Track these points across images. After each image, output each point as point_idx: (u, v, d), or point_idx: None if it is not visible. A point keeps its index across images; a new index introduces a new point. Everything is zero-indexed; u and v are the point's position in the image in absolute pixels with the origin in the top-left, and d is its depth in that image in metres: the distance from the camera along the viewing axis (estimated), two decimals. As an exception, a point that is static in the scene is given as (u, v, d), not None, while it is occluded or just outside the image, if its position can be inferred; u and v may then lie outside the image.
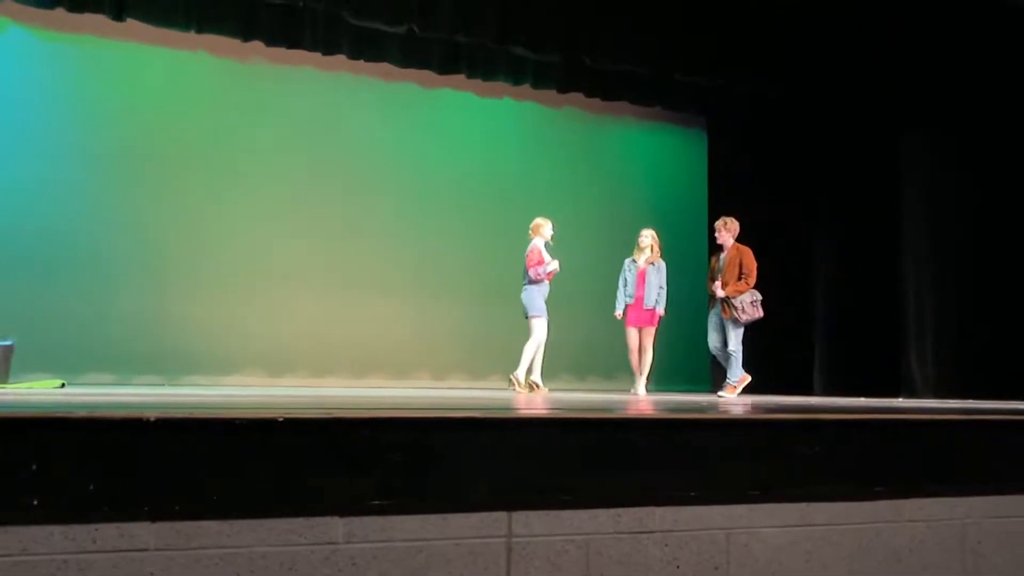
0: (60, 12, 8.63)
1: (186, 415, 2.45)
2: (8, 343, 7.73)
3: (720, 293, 8.41)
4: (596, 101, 11.29)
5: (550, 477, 2.66)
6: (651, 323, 8.67)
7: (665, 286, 8.74)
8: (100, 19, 8.79)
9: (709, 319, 8.64)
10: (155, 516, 2.32)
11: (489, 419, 2.73)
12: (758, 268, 8.44)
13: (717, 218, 8.87)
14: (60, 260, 8.92)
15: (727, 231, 8.64)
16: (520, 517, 2.63)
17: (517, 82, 10.83)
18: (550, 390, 8.52)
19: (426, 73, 10.40)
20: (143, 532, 2.30)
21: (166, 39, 9.27)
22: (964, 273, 9.75)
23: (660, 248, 8.85)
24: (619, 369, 9.54)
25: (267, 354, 9.79)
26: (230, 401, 4.40)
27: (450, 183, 10.73)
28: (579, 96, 11.19)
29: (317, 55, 9.79)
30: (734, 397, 8.19)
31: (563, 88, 11.03)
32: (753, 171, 11.32)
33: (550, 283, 8.63)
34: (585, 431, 2.78)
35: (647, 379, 8.74)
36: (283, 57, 9.77)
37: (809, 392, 10.53)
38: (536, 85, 10.90)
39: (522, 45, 9.93)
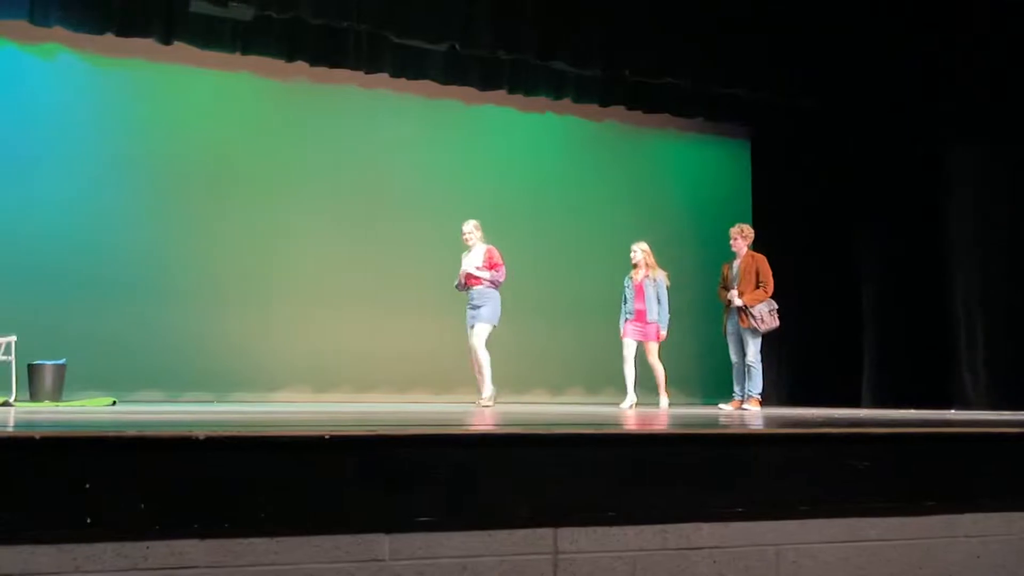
0: (109, 37, 8.82)
1: (234, 433, 2.48)
2: (61, 362, 7.90)
3: (738, 302, 8.26)
4: (638, 114, 11.27)
5: (596, 493, 2.65)
6: (654, 338, 8.52)
7: (665, 301, 8.56)
8: (148, 43, 8.97)
9: (726, 330, 8.48)
10: (205, 534, 2.34)
11: (533, 435, 2.73)
12: (775, 275, 8.33)
13: (761, 229, 8.79)
14: (111, 281, 9.08)
15: (743, 238, 8.50)
16: (566, 533, 2.62)
17: (558, 96, 10.85)
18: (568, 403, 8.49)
19: (468, 90, 10.46)
20: (193, 549, 2.33)
21: (212, 61, 9.43)
22: (1015, 282, 9.56)
23: (653, 260, 8.70)
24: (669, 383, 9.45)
25: (312, 371, 9.87)
26: (277, 419, 4.44)
27: (492, 199, 10.75)
28: (620, 109, 11.18)
29: (360, 74, 9.88)
30: (759, 410, 8.08)
31: (604, 102, 11.03)
32: (798, 182, 11.22)
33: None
34: (631, 447, 2.76)
35: (667, 392, 8.67)
36: (326, 76, 9.88)
37: (857, 405, 10.37)
38: (577, 99, 10.91)
39: (563, 60, 9.94)
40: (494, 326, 8.11)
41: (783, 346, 10.89)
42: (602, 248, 10.98)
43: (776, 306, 8.30)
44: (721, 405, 8.49)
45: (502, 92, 10.57)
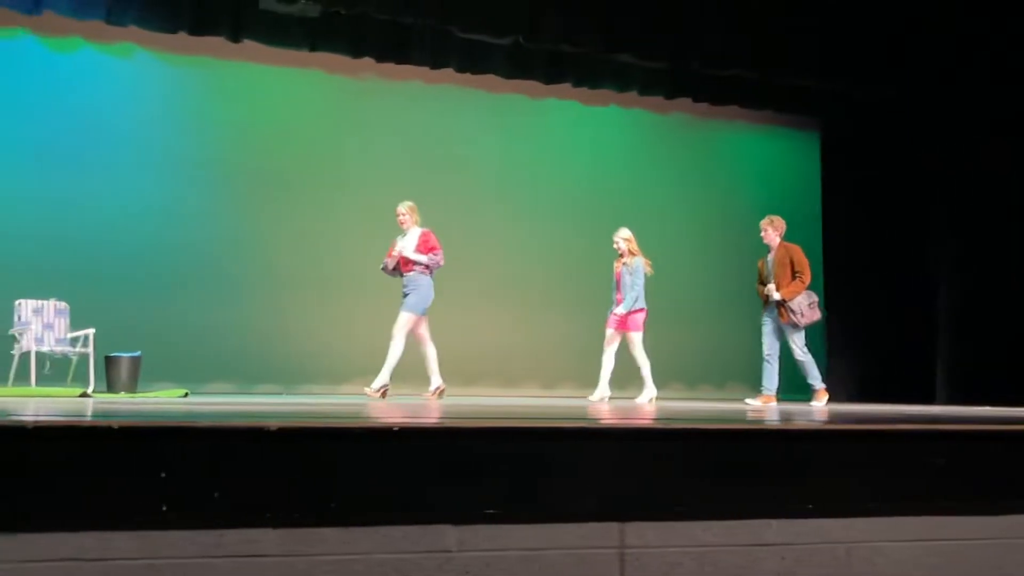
0: (182, 36, 9.01)
1: (305, 424, 2.52)
2: (136, 355, 8.10)
3: (776, 296, 8.05)
4: (705, 106, 11.16)
5: (663, 488, 2.63)
6: (632, 328, 8.22)
7: (638, 287, 8.18)
8: (219, 41, 9.14)
9: (763, 324, 8.26)
10: (277, 523, 2.38)
11: (601, 429, 2.72)
12: (810, 265, 8.13)
13: (833, 223, 8.60)
14: (183, 275, 9.28)
15: (774, 229, 8.26)
16: (633, 528, 2.61)
17: (623, 89, 10.78)
18: (652, 400, 8.37)
19: (532, 83, 10.46)
20: (265, 538, 2.37)
21: (281, 58, 9.57)
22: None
23: (635, 247, 8.36)
24: (731, 378, 9.38)
25: (379, 363, 9.95)
26: (345, 410, 4.49)
27: (557, 192, 10.75)
28: (687, 101, 11.08)
29: (425, 69, 9.95)
30: (822, 401, 7.93)
31: (671, 94, 10.93)
32: (869, 174, 11.00)
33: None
34: (699, 441, 2.74)
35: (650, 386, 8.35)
36: (392, 72, 9.96)
37: (931, 401, 10.15)
38: (643, 92, 10.84)
39: (628, 52, 9.89)
40: (418, 316, 7.79)
41: (854, 342, 10.71)
42: (667, 243, 10.90)
43: (816, 298, 8.09)
44: (747, 400, 8.31)
45: (567, 86, 10.55)
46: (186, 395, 7.99)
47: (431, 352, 7.88)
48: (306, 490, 2.43)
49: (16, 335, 7.87)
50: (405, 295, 7.81)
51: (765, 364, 8.21)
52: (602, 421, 3.01)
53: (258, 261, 9.61)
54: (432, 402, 7.16)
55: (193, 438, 2.42)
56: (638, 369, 8.28)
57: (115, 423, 2.37)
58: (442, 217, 10.22)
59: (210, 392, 8.85)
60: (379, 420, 2.63)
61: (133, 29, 8.96)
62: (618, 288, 8.34)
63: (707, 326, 10.66)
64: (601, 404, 7.68)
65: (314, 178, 9.93)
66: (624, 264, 8.29)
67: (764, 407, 7.82)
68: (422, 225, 7.97)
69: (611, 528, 2.59)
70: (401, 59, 9.79)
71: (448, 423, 2.58)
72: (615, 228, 10.01)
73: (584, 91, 10.77)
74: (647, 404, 7.66)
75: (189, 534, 2.33)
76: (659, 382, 8.43)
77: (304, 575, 2.40)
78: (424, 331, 7.86)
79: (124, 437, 2.35)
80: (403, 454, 2.51)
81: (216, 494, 2.35)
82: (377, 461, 2.49)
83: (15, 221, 8.75)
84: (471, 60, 10.01)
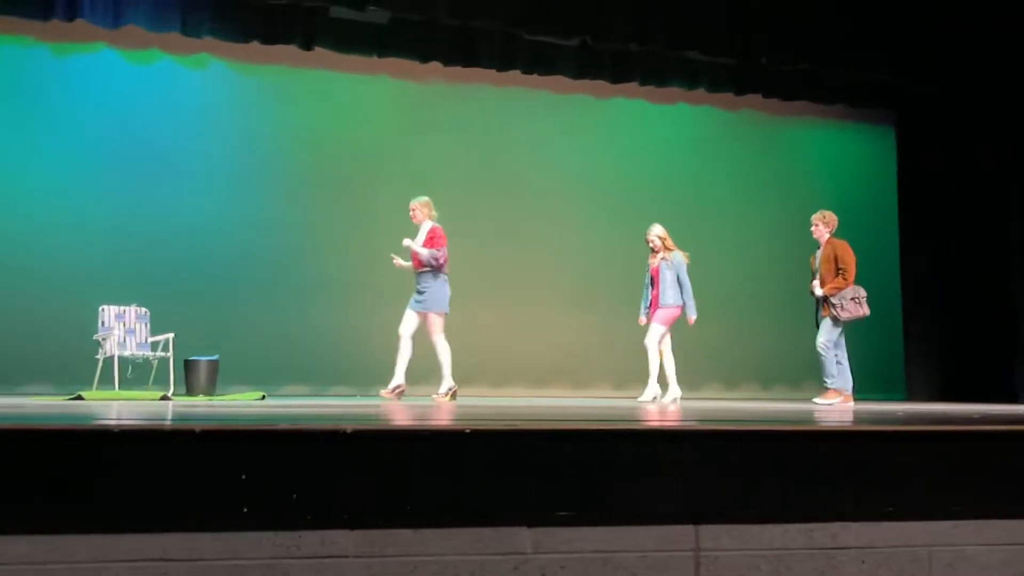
0: (254, 45, 9.19)
1: (380, 427, 2.55)
2: (214, 358, 8.28)
3: (818, 292, 7.91)
4: (775, 101, 11.00)
5: (738, 490, 2.60)
6: (661, 321, 8.01)
7: (687, 283, 8.04)
8: (290, 49, 9.30)
9: (819, 319, 8.05)
10: (353, 524, 2.42)
11: (673, 431, 2.71)
12: (857, 263, 7.88)
13: (910, 220, 8.40)
14: (259, 280, 9.47)
15: (824, 224, 8.07)
16: (708, 530, 2.59)
17: (692, 86, 10.69)
18: (729, 399, 8.28)
19: (599, 83, 10.43)
20: (343, 539, 2.41)
21: (350, 65, 9.70)
22: None
23: (671, 243, 8.20)
24: (806, 378, 9.23)
25: (453, 365, 10.02)
26: (418, 413, 4.53)
27: (626, 192, 10.70)
28: (757, 97, 10.94)
29: (492, 72, 10.00)
30: (833, 403, 7.71)
31: (740, 90, 10.81)
32: (947, 168, 10.73)
33: None
34: (774, 443, 2.71)
35: (675, 383, 8.16)
36: (460, 76, 10.03)
37: (1014, 401, 9.86)
38: (711, 89, 10.73)
39: (696, 49, 9.80)
40: (443, 314, 7.73)
41: (934, 341, 10.47)
42: (738, 241, 10.79)
43: (863, 293, 7.87)
44: (816, 400, 8.14)
45: (634, 84, 10.50)
46: (263, 398, 8.14)
47: (407, 352, 7.72)
48: (381, 492, 2.46)
49: (100, 340, 8.11)
50: (420, 292, 7.71)
51: (825, 360, 8.04)
52: (676, 423, 2.99)
53: (331, 265, 9.76)
54: (391, 400, 7.11)
55: (272, 441, 2.48)
56: (646, 363, 8.10)
57: (197, 427, 2.43)
58: (510, 219, 10.28)
59: (286, 395, 9.01)
60: (450, 424, 2.66)
61: (208, 40, 9.17)
62: (654, 284, 8.18)
63: (780, 325, 10.50)
64: (674, 404, 7.63)
65: (383, 183, 10.04)
66: (663, 259, 8.16)
67: (834, 403, 7.69)
68: (438, 221, 7.91)
69: (686, 531, 2.57)
70: (468, 62, 9.85)
71: (519, 426, 2.59)
72: (685, 227, 9.91)
73: (651, 89, 10.71)
74: (649, 402, 7.54)
75: (269, 535, 2.38)
76: (734, 381, 8.31)
77: (380, 576, 2.43)
78: (411, 330, 7.74)
79: (206, 440, 2.42)
80: (476, 456, 2.53)
81: (294, 496, 2.40)
82: (451, 463, 2.51)
83: (98, 230, 9.01)
84: (538, 62, 10.02)
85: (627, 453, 2.55)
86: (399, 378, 7.70)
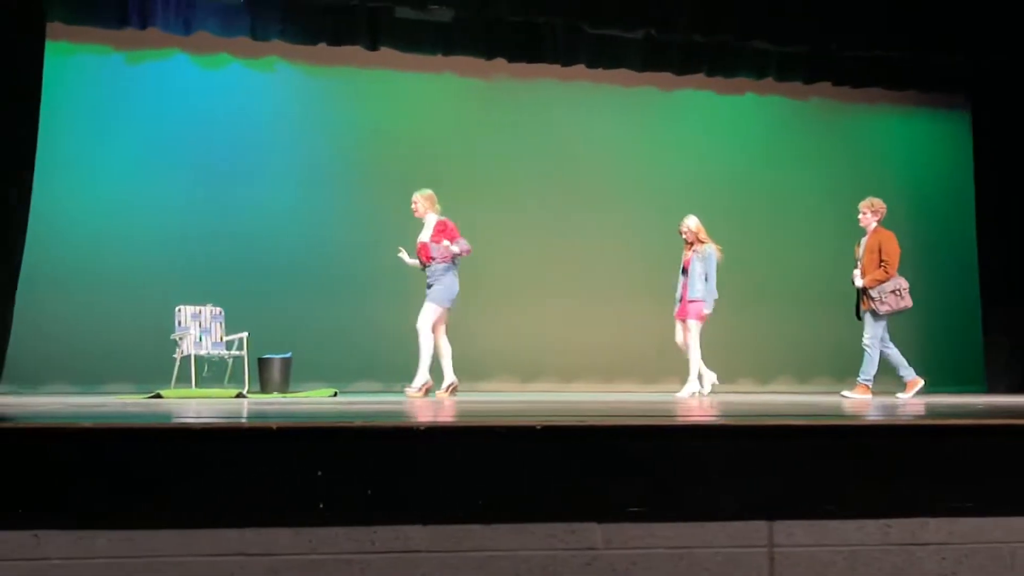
0: (321, 47, 9.32)
1: (452, 423, 2.58)
2: (287, 356, 8.44)
3: (858, 283, 7.67)
4: (846, 89, 10.78)
5: (812, 486, 2.57)
6: (693, 316, 7.86)
7: (712, 278, 7.87)
8: (356, 50, 9.41)
9: (857, 312, 7.84)
10: (427, 519, 2.45)
11: (745, 427, 2.69)
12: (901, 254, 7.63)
13: (987, 207, 8.13)
14: (329, 278, 9.60)
15: (872, 213, 7.81)
16: (782, 527, 2.56)
17: (760, 76, 10.54)
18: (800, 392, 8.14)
19: (665, 75, 10.34)
20: (416, 535, 2.44)
21: (415, 64, 9.78)
22: None
23: (703, 234, 8.02)
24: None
25: (518, 361, 10.08)
26: (489, 408, 4.56)
27: (695, 184, 10.60)
28: (827, 85, 10.74)
29: (557, 67, 9.98)
30: (859, 397, 7.48)
31: (809, 79, 10.63)
32: (1027, 153, 10.40)
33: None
34: (849, 438, 2.67)
35: (694, 380, 7.95)
36: (524, 72, 10.04)
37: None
38: (780, 78, 10.57)
39: (763, 39, 9.66)
40: (445, 308, 7.61)
41: (1014, 332, 10.18)
42: (809, 233, 10.61)
43: (905, 285, 7.60)
44: (844, 393, 7.95)
45: (700, 76, 10.39)
46: (335, 394, 8.27)
47: (446, 348, 7.66)
48: (453, 487, 2.49)
49: (177, 340, 8.32)
50: (429, 286, 7.66)
51: (888, 355, 7.85)
52: (745, 418, 2.96)
53: (398, 262, 9.85)
54: (445, 399, 7.00)
55: (347, 438, 2.52)
56: (686, 359, 7.98)
57: (274, 424, 2.49)
58: (578, 213, 10.26)
59: (357, 391, 9.13)
60: (521, 419, 2.67)
61: (276, 43, 9.32)
62: (685, 275, 8.05)
63: (849, 316, 10.32)
64: (693, 397, 7.52)
65: (450, 180, 10.08)
66: (695, 252, 8.02)
67: (911, 396, 7.51)
68: (442, 214, 7.82)
69: (759, 527, 2.55)
70: (533, 58, 9.84)
71: (590, 422, 2.60)
72: (756, 220, 9.84)
73: (718, 80, 10.58)
74: (689, 399, 7.42)
75: (345, 530, 2.42)
76: (808, 372, 8.16)
77: (455, 571, 2.45)
78: (442, 325, 7.68)
79: (283, 437, 2.47)
80: (546, 452, 2.54)
81: (369, 491, 2.44)
82: (521, 459, 2.53)
83: (174, 231, 9.23)
84: (602, 55, 9.97)
85: (699, 449, 2.53)
86: (448, 375, 7.70)
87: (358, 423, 2.57)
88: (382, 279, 9.72)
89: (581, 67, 10.04)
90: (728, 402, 6.44)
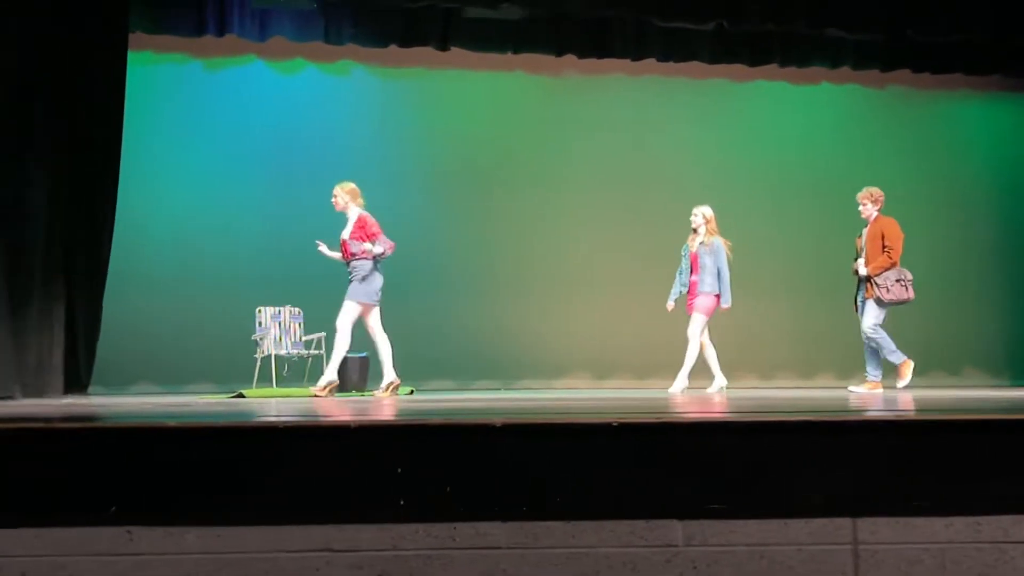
0: (393, 49, 9.42)
1: (529, 421, 2.59)
2: (363, 355, 8.56)
3: (863, 272, 7.49)
4: (925, 76, 10.50)
5: (898, 482, 2.52)
6: (701, 310, 7.71)
7: (725, 272, 7.71)
8: (427, 51, 9.49)
9: (858, 304, 7.64)
10: (506, 516, 2.46)
11: (826, 422, 2.64)
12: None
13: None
14: (404, 279, 9.69)
15: (872, 202, 7.63)
16: (866, 524, 2.52)
17: (835, 65, 10.33)
18: (884, 387, 7.94)
19: (737, 67, 10.21)
20: (496, 531, 2.46)
21: (486, 63, 9.82)
22: None
23: (715, 227, 7.87)
24: (965, 363, 8.81)
25: (592, 358, 10.06)
26: (564, 406, 4.57)
27: (768, 177, 10.45)
28: (906, 73, 10.47)
29: (627, 61, 9.93)
30: (865, 392, 7.23)
31: (887, 66, 10.38)
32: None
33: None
34: (936, 434, 2.61)
35: (688, 376, 7.79)
36: (594, 67, 10.01)
37: None
38: (856, 66, 10.34)
39: (838, 26, 9.47)
40: (370, 304, 7.37)
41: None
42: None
43: (909, 276, 7.41)
44: (851, 388, 7.73)
45: (773, 67, 10.22)
46: (411, 393, 8.35)
47: (385, 345, 7.48)
48: (532, 484, 2.50)
49: (257, 340, 8.50)
50: (349, 281, 7.44)
51: (865, 344, 7.64)
52: (826, 414, 2.92)
53: (474, 261, 9.92)
54: (384, 399, 6.86)
55: (425, 435, 2.55)
56: (684, 353, 7.84)
57: (354, 422, 2.53)
58: (651, 208, 10.19)
59: (432, 389, 9.21)
60: (597, 416, 2.67)
61: (350, 47, 9.44)
62: (694, 270, 7.87)
63: (932, 308, 10.08)
64: (719, 394, 7.38)
65: (523, 178, 10.13)
66: (702, 244, 7.87)
67: (870, 392, 7.26)
68: (365, 208, 7.63)
69: (843, 524, 2.51)
70: (602, 54, 9.80)
71: (667, 418, 2.59)
72: (833, 212, 9.63)
73: (792, 70, 10.40)
74: (679, 395, 7.28)
75: (425, 527, 2.45)
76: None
77: (534, 568, 2.47)
78: (375, 322, 7.49)
79: (363, 435, 2.51)
80: (622, 449, 2.53)
81: (448, 488, 2.46)
82: (597, 456, 2.53)
83: (253, 235, 9.43)
84: (673, 49, 9.88)
85: (781, 445, 2.50)
86: (389, 374, 7.47)
87: (435, 420, 2.60)
88: (456, 278, 9.81)
89: (651, 61, 9.97)
90: (806, 397, 6.33)
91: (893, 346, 7.46)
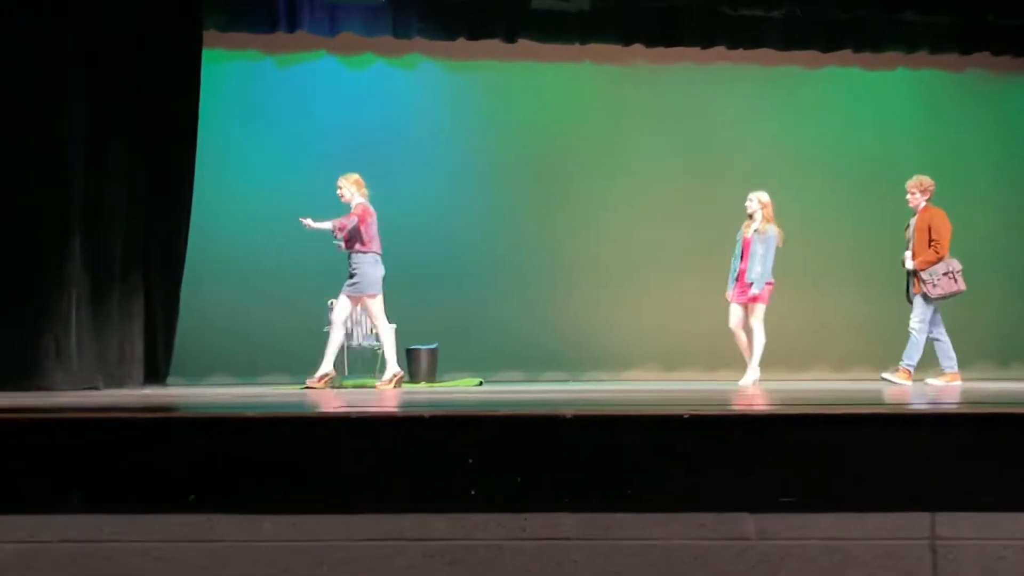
0: (461, 42, 9.46)
1: (598, 412, 2.59)
2: (434, 346, 8.65)
3: (909, 265, 7.30)
4: (1006, 59, 10.18)
5: (978, 477, 2.47)
6: (755, 299, 7.53)
7: (769, 261, 7.52)
8: (495, 44, 9.51)
9: (908, 297, 7.46)
10: (576, 507, 2.47)
11: (904, 415, 2.60)
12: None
13: None
14: (473, 270, 9.76)
15: (921, 192, 7.43)
16: (944, 518, 2.47)
17: (911, 50, 10.06)
18: (964, 379, 7.75)
19: (809, 53, 10.00)
20: (566, 522, 2.47)
21: (553, 54, 9.80)
22: None
23: (770, 214, 7.65)
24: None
25: (661, 349, 10.00)
26: (633, 397, 4.55)
27: (841, 165, 10.25)
28: (985, 56, 10.16)
29: (696, 50, 9.81)
30: (903, 383, 7.05)
31: (966, 50, 10.07)
32: None
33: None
34: (1019, 427, 2.54)
35: (758, 367, 7.60)
36: (662, 56, 9.91)
37: None
38: (934, 50, 10.05)
39: (914, 9, 9.23)
40: (371, 296, 7.45)
41: None
42: (968, 212, 10.09)
43: (958, 267, 7.18)
44: (928, 380, 7.50)
45: (847, 52, 9.99)
46: (480, 384, 8.41)
47: (388, 337, 7.52)
48: (602, 475, 2.50)
49: (329, 333, 8.61)
50: (351, 275, 7.47)
51: (935, 343, 7.46)
52: (903, 407, 2.86)
53: (543, 252, 9.92)
54: (387, 390, 6.90)
55: (495, 426, 2.57)
56: (749, 345, 7.67)
57: (426, 413, 2.56)
58: (721, 197, 10.06)
59: (501, 380, 9.25)
60: (666, 408, 2.66)
61: (418, 40, 9.49)
62: (744, 257, 7.72)
63: (1009, 302, 9.81)
64: (756, 387, 7.24)
65: (591, 169, 10.09)
66: (756, 232, 7.69)
67: (948, 385, 7.08)
68: (369, 199, 7.63)
69: (920, 518, 2.46)
70: (671, 43, 9.69)
71: (737, 410, 2.56)
72: (906, 200, 9.35)
73: (867, 56, 10.15)
74: (751, 387, 7.12)
75: (496, 517, 2.47)
76: (970, 360, 7.80)
77: (604, 559, 2.47)
78: (380, 313, 7.48)
79: (435, 426, 2.54)
80: (693, 441, 2.52)
81: (519, 479, 2.48)
82: (668, 448, 2.52)
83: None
84: (743, 36, 9.72)
85: (856, 438, 2.46)
86: (327, 366, 7.45)
87: (505, 411, 2.61)
88: (524, 269, 9.83)
89: (720, 49, 9.82)
90: (874, 389, 6.22)
91: (918, 356, 7.35)
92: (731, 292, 7.84)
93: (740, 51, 9.87)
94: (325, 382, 7.34)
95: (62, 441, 2.50)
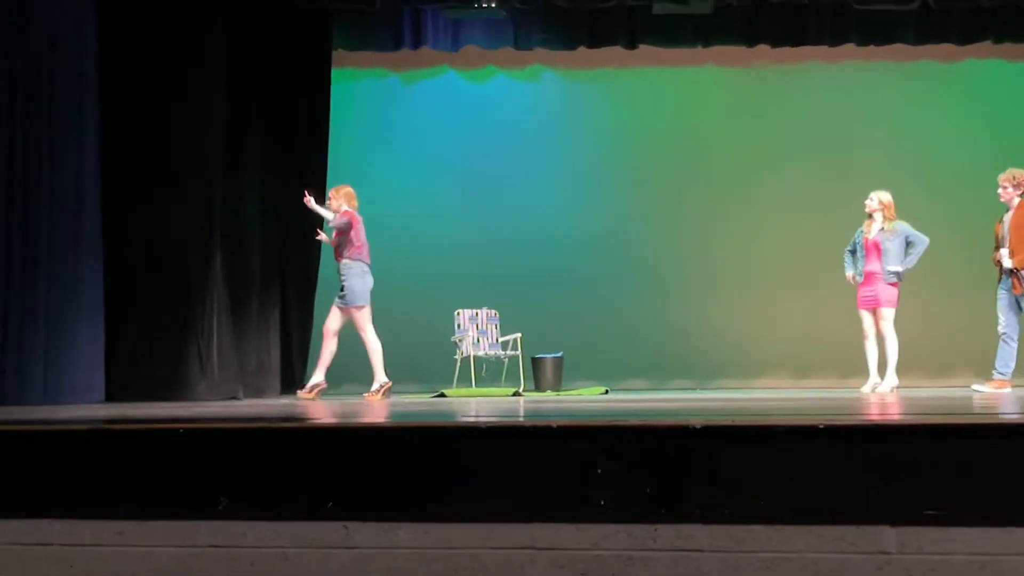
0: (581, 51, 9.47)
1: (728, 423, 2.55)
2: (558, 355, 8.68)
3: (1007, 263, 6.79)
4: None
5: None
6: (887, 303, 7.19)
7: (917, 252, 7.20)
8: (615, 51, 9.48)
9: (998, 297, 6.97)
10: (707, 519, 2.44)
11: (1056, 424, 2.46)
12: None
13: None
14: (598, 279, 9.75)
15: (1014, 186, 6.93)
16: (1104, 534, 2.33)
17: (1058, 37, 9.54)
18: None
19: (945, 47, 9.59)
20: (698, 534, 2.44)
21: (675, 58, 9.71)
22: None
23: (893, 213, 7.32)
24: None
25: (792, 356, 9.75)
26: (765, 407, 4.46)
27: (982, 161, 9.76)
28: None
29: (823, 48, 9.54)
30: (993, 391, 6.52)
31: None
32: None
33: None
34: None
35: (896, 373, 7.18)
36: (788, 56, 9.68)
37: None
38: (1083, 37, 9.51)
39: (1060, -4, 8.75)
40: (359, 308, 7.36)
41: None
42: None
43: None
44: (975, 386, 7.01)
45: (987, 44, 9.54)
46: (606, 392, 8.39)
47: (375, 348, 7.46)
48: (733, 486, 2.46)
49: (456, 342, 8.77)
50: (341, 284, 7.41)
51: (1000, 343, 7.00)
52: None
53: (668, 259, 9.83)
54: (375, 401, 6.86)
55: (623, 435, 2.56)
56: (883, 352, 7.37)
57: (554, 422, 2.57)
58: (852, 199, 9.73)
59: (626, 388, 9.20)
60: (802, 418, 2.60)
61: (538, 51, 9.57)
62: (868, 258, 7.40)
63: None
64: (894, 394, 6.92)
65: (716, 173, 9.95)
66: (883, 231, 7.36)
67: (997, 393, 6.57)
68: (359, 212, 7.61)
69: (1076, 534, 2.33)
70: (797, 42, 9.44)
71: (876, 420, 2.49)
72: (997, 195, 8.83)
73: (1008, 47, 9.67)
74: (888, 394, 6.74)
75: (625, 527, 2.46)
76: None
77: (736, 572, 2.43)
78: (368, 324, 7.40)
79: (563, 435, 2.55)
80: (830, 452, 2.46)
81: (648, 489, 2.46)
82: (803, 459, 2.46)
83: (451, 239, 9.73)
84: (874, 32, 9.39)
85: (1005, 449, 2.35)
86: (319, 376, 7.42)
87: (634, 422, 2.60)
88: (649, 276, 9.75)
89: (850, 46, 9.52)
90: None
91: (1012, 361, 6.96)
92: (850, 274, 7.63)
93: (871, 47, 9.54)
94: (316, 393, 7.39)
95: (210, 450, 2.62)
